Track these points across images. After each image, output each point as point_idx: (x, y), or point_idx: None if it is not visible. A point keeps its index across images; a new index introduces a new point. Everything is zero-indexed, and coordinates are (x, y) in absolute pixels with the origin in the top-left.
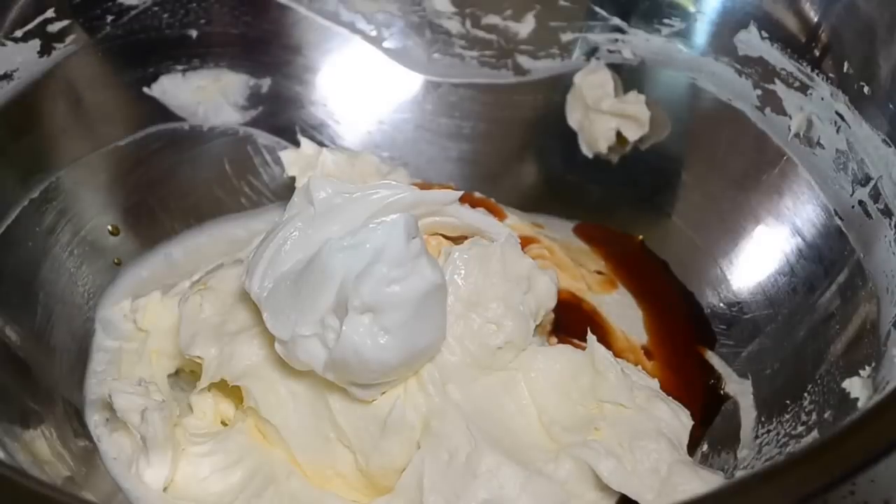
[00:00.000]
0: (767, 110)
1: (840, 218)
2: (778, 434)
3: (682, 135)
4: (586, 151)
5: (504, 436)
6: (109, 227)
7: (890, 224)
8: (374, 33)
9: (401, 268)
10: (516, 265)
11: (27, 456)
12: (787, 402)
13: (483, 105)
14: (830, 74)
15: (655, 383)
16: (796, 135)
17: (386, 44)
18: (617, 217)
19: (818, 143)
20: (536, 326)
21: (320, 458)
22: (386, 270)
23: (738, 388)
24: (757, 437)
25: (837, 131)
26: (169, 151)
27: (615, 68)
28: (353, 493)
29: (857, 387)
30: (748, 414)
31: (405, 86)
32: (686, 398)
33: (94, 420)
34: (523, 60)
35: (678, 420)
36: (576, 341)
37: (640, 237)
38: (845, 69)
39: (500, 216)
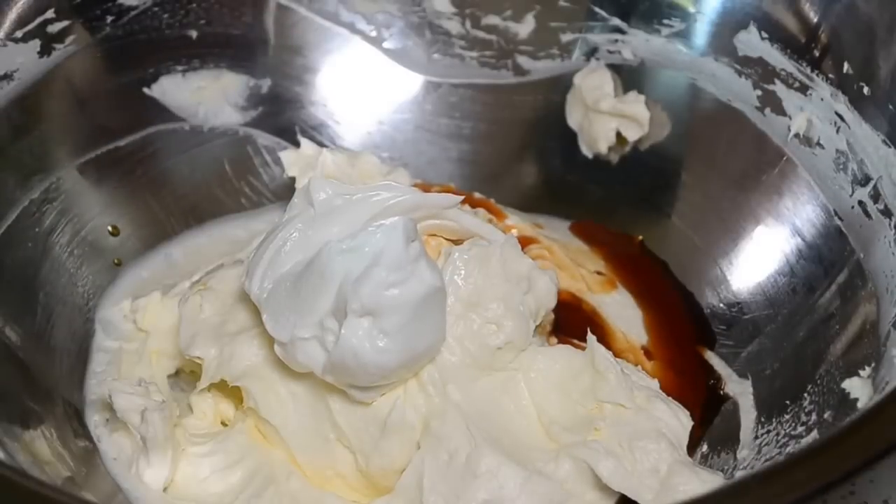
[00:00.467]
0: (767, 111)
1: (840, 218)
2: (778, 434)
3: (681, 135)
4: (586, 152)
5: (504, 436)
6: (109, 228)
7: (889, 224)
8: (374, 34)
9: (399, 271)
10: (516, 265)
11: (27, 456)
12: (787, 402)
13: (483, 105)
14: (830, 75)
15: (655, 383)
16: (796, 135)
17: (386, 44)
18: (617, 217)
19: (818, 144)
20: (536, 327)
21: (320, 458)
22: (385, 274)
23: (738, 389)
24: (757, 437)
25: (837, 132)
26: (169, 152)
27: (615, 69)
28: (353, 494)
29: (857, 387)
30: (748, 414)
31: (405, 86)
32: (686, 398)
33: (94, 420)
34: (523, 61)
35: (678, 420)
36: (576, 341)
37: (640, 237)
38: (845, 70)
39: (500, 217)
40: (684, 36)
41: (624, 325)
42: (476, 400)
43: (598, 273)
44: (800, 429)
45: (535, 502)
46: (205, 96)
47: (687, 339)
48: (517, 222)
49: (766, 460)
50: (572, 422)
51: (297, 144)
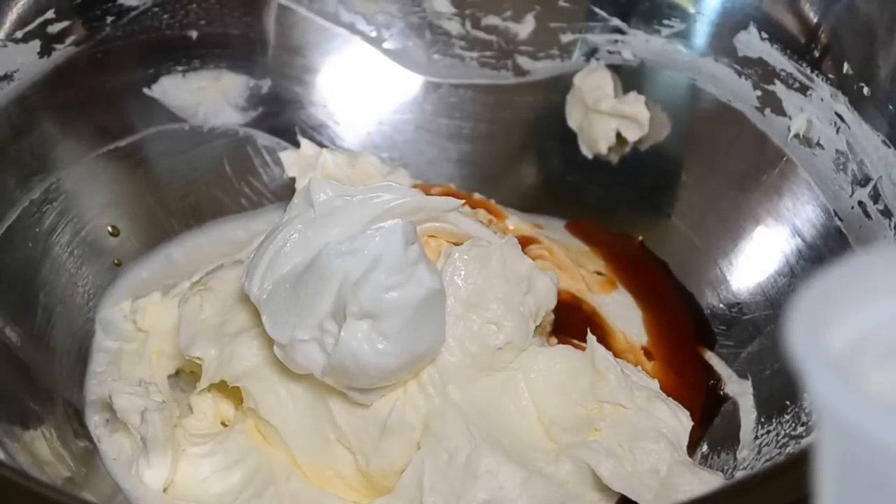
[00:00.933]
0: (767, 111)
1: (840, 219)
2: (778, 434)
3: (681, 136)
4: (586, 152)
5: (504, 436)
6: (109, 228)
7: (889, 225)
8: (373, 34)
9: (399, 274)
10: (516, 266)
11: (27, 457)
12: (787, 402)
13: (483, 106)
14: (830, 75)
15: (655, 384)
16: (796, 135)
17: (386, 45)
18: (617, 217)
19: (818, 144)
20: (536, 327)
21: (320, 458)
22: (384, 277)
23: (738, 389)
24: (757, 437)
25: (837, 132)
26: (169, 152)
27: (615, 69)
28: (354, 494)
29: None
30: (748, 414)
31: (405, 87)
32: (686, 399)
33: (95, 421)
34: (523, 61)
35: (678, 421)
36: (576, 342)
37: (640, 238)
38: (845, 70)
39: (500, 217)
40: (684, 36)
41: (624, 326)
42: (476, 400)
43: (598, 273)
44: (800, 429)
45: (536, 503)
46: (205, 97)
47: (687, 340)
48: (517, 223)
49: (766, 460)
50: (572, 422)
51: (297, 145)
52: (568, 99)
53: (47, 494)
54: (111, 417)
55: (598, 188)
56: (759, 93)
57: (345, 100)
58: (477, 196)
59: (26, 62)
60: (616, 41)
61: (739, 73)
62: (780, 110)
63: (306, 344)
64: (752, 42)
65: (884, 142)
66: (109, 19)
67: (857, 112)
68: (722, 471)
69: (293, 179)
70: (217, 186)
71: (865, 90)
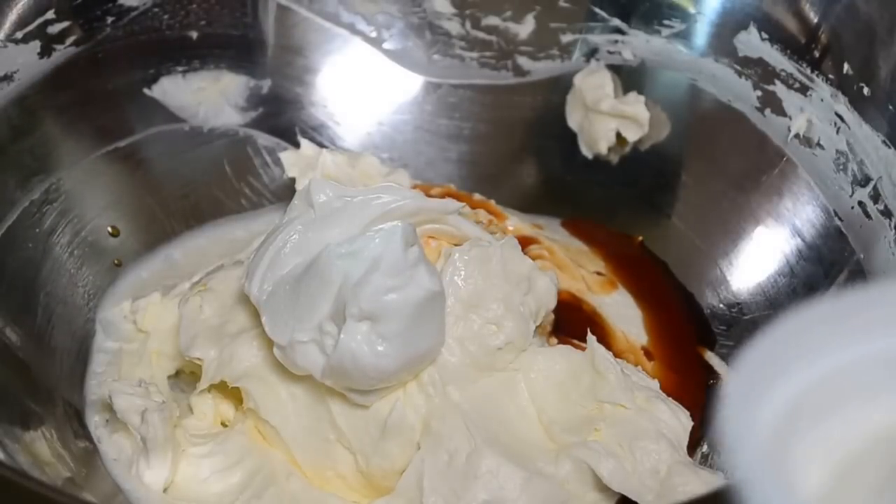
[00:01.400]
0: (767, 111)
1: (840, 219)
2: None
3: (681, 136)
4: (586, 152)
5: (504, 436)
6: (110, 229)
7: (890, 225)
8: (374, 34)
9: (398, 276)
10: (516, 266)
11: (27, 457)
12: None
13: (483, 106)
14: (830, 75)
15: (655, 384)
16: (796, 136)
17: (386, 45)
18: (617, 217)
19: (818, 144)
20: (536, 327)
21: (320, 459)
22: (383, 279)
23: None
24: None
25: (837, 132)
26: (169, 152)
27: (615, 69)
28: (354, 494)
29: None
30: None
31: (405, 87)
32: (686, 399)
33: (95, 421)
34: (523, 61)
35: (678, 421)
36: (576, 342)
37: (640, 238)
38: (845, 70)
39: (500, 217)
40: (684, 36)
41: (624, 326)
42: (476, 400)
43: (598, 273)
44: None
45: (536, 503)
46: (205, 97)
47: (687, 340)
48: (517, 223)
49: None
50: (572, 422)
51: (297, 145)
52: (568, 99)
53: (47, 495)
54: (111, 418)
55: (598, 188)
56: (759, 93)
57: (345, 100)
58: (477, 196)
59: (26, 63)
60: (616, 41)
61: (739, 74)
62: (780, 110)
63: (306, 345)
64: (752, 42)
65: (884, 142)
66: (109, 20)
67: (858, 112)
68: (722, 471)
69: (293, 180)
70: (217, 187)
71: (865, 90)
